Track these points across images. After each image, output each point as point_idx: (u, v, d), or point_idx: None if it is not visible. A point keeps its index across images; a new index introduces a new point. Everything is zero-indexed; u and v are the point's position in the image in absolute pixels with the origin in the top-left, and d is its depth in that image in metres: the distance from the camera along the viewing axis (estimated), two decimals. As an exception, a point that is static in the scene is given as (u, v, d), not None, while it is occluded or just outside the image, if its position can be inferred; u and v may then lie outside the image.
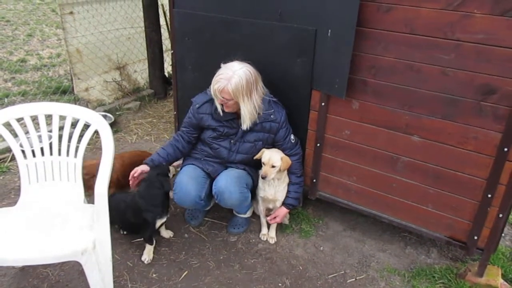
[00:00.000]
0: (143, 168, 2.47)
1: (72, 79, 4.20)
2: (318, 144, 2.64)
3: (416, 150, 2.34)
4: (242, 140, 2.54)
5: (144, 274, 2.44)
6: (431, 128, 2.25)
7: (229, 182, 2.45)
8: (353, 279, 2.50)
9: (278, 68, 2.58)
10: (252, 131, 2.51)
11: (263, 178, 2.49)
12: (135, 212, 2.45)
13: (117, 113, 4.42)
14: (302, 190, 2.71)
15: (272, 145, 2.60)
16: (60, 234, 1.93)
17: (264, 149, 2.55)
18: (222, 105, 2.40)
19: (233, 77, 2.28)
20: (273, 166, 2.48)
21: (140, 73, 4.92)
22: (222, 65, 2.37)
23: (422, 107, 2.24)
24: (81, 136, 2.23)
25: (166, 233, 2.75)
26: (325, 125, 2.58)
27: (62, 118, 2.19)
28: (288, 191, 2.66)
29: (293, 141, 2.59)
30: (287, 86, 2.60)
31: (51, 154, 2.19)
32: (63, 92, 4.83)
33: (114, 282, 2.33)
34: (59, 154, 2.21)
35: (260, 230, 2.81)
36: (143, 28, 4.63)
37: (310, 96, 2.56)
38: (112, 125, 4.12)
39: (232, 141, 2.53)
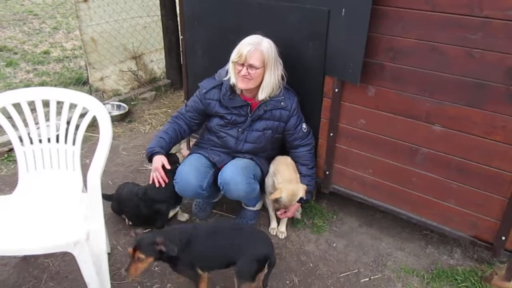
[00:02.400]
0: (163, 159, 2.36)
1: (87, 69, 4.16)
2: (331, 134, 2.47)
3: (438, 140, 2.14)
4: (251, 129, 2.40)
5: (146, 267, 2.35)
6: (454, 117, 2.04)
7: (235, 173, 2.31)
8: (367, 279, 2.33)
9: (289, 53, 2.41)
10: (261, 119, 2.37)
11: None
12: (148, 204, 2.41)
13: (132, 103, 4.37)
14: (314, 183, 2.55)
15: (282, 134, 2.44)
16: (53, 224, 1.85)
17: (281, 188, 2.34)
18: (235, 88, 2.31)
19: (263, 42, 2.21)
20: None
21: (157, 63, 4.85)
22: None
23: (444, 93, 2.03)
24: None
25: (182, 217, 2.70)
26: (338, 114, 2.41)
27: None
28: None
29: (305, 130, 2.43)
30: (299, 72, 2.44)
31: (49, 141, 2.12)
32: (82, 83, 4.83)
33: (114, 274, 2.26)
34: (57, 141, 2.13)
35: (269, 224, 2.67)
36: (160, 17, 4.55)
37: (323, 82, 2.39)
38: (126, 115, 4.09)
39: (240, 129, 2.40)
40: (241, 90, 2.34)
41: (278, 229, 2.63)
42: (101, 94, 4.36)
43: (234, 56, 2.23)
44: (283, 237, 2.60)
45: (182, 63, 3.04)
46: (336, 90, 2.34)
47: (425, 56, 2.02)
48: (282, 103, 2.34)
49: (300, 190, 2.37)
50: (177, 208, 2.50)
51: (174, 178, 2.35)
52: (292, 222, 2.69)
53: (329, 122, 2.46)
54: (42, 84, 5.02)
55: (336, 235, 2.64)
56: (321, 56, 2.31)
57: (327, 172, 2.60)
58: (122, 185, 2.69)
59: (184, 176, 2.32)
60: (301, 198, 2.48)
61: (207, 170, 2.41)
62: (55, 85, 4.98)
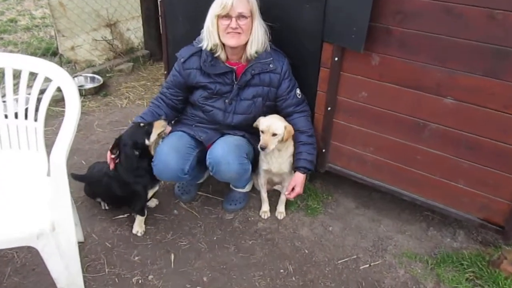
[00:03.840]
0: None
1: (56, 37, 3.79)
2: (329, 108, 2.24)
3: (449, 115, 1.93)
4: (239, 98, 2.14)
5: (124, 257, 2.11)
6: (469, 88, 1.83)
7: (226, 151, 2.06)
8: (367, 265, 2.15)
9: (282, 15, 2.14)
10: (249, 85, 2.12)
11: (262, 149, 2.09)
12: (122, 185, 2.13)
13: (108, 75, 4.02)
14: (316, 152, 2.28)
15: (274, 101, 2.20)
16: (11, 213, 1.58)
17: (260, 117, 2.17)
18: (216, 53, 2.04)
19: None
20: (274, 135, 2.10)
21: (134, 32, 4.47)
22: None
23: (459, 62, 1.81)
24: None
25: (151, 202, 2.42)
26: (337, 85, 2.17)
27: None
28: (299, 152, 2.23)
29: (299, 96, 2.19)
30: (293, 38, 2.17)
31: (6, 117, 1.83)
32: (52, 54, 4.44)
33: (88, 266, 2.03)
34: (16, 117, 1.84)
35: (260, 207, 2.45)
36: (136, -20, 4.17)
37: (321, 50, 2.13)
38: (100, 88, 3.76)
39: (227, 100, 2.14)
40: (226, 56, 2.08)
41: (276, 210, 2.43)
42: (73, 65, 4.00)
43: (217, 9, 1.95)
44: (282, 217, 2.40)
45: (161, 29, 2.72)
46: (336, 58, 2.09)
47: (438, 19, 1.78)
48: (271, 66, 2.08)
49: (281, 124, 2.11)
50: (157, 187, 2.22)
51: (153, 160, 2.09)
52: (285, 205, 2.47)
53: (326, 95, 2.22)
54: (8, 54, 4.63)
55: (331, 218, 2.45)
56: (319, 19, 2.04)
57: (323, 150, 2.37)
58: (93, 165, 2.42)
59: (163, 158, 2.05)
60: (305, 168, 2.22)
61: (189, 151, 2.15)
62: (23, 56, 4.61)
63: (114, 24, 4.21)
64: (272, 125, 2.10)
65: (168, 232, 2.27)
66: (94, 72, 3.91)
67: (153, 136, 2.08)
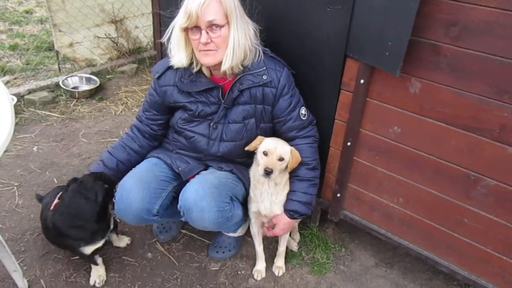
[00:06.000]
0: None
1: (52, 32, 3.42)
2: (349, 143, 1.73)
3: (514, 169, 1.40)
4: (226, 121, 1.68)
5: (73, 314, 1.67)
6: (548, 137, 1.30)
7: (201, 195, 1.58)
8: None
9: (297, 23, 1.67)
10: (237, 104, 1.65)
11: (267, 173, 1.58)
12: (56, 232, 1.65)
13: (108, 76, 3.63)
14: (315, 192, 1.76)
15: (271, 122, 1.73)
16: None
17: (260, 137, 1.69)
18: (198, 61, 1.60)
19: None
20: (281, 159, 1.62)
21: (143, 30, 4.07)
22: None
23: (536, 99, 1.28)
24: None
25: (120, 242, 1.98)
26: (361, 115, 1.67)
27: None
28: (293, 191, 1.73)
29: (304, 118, 1.70)
30: (308, 51, 1.69)
31: None
32: (47, 49, 4.11)
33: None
34: None
35: (254, 258, 1.96)
36: (148, -27, 3.77)
37: (343, 67, 1.64)
38: (97, 90, 3.37)
39: (211, 123, 1.67)
40: (210, 71, 1.64)
41: (274, 263, 1.94)
42: (71, 64, 3.63)
43: (181, 20, 1.48)
44: (280, 274, 1.92)
45: (153, 26, 2.28)
46: (362, 80, 1.58)
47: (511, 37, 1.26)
48: (264, 77, 1.60)
49: (288, 148, 1.65)
50: (100, 243, 1.71)
51: (115, 194, 1.63)
52: (286, 257, 1.98)
53: (346, 125, 1.72)
54: (13, 47, 4.34)
55: (343, 278, 1.94)
56: (344, 28, 1.55)
57: (338, 194, 1.87)
58: (53, 190, 1.94)
59: (126, 193, 1.59)
60: (296, 212, 1.73)
61: (162, 186, 1.69)
62: (27, 49, 4.29)
63: (120, 21, 3.81)
64: (279, 147, 1.63)
65: (134, 284, 1.82)
66: (93, 73, 3.53)
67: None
